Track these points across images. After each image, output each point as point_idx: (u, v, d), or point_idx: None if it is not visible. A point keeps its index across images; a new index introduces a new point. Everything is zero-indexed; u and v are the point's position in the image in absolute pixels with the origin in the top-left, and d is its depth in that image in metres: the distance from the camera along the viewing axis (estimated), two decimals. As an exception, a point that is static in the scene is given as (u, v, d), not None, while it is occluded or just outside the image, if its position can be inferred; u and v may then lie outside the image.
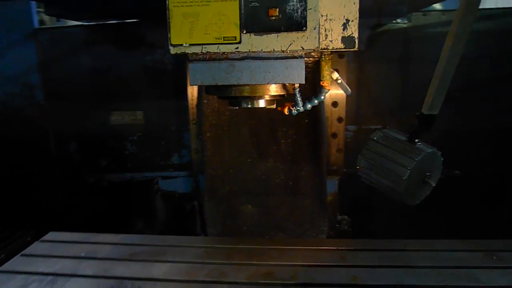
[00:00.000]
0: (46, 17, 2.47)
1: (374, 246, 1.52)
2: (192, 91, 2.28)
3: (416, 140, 1.00)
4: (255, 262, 1.42)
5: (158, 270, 1.39)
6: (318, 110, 2.04)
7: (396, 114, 2.44)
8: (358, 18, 1.04)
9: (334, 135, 2.31)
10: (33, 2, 2.37)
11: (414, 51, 2.37)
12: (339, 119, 2.27)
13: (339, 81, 1.18)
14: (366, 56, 2.36)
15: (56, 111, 2.48)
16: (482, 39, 2.35)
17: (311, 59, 1.15)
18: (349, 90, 1.17)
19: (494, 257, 1.34)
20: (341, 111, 2.27)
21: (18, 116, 2.46)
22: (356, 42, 1.03)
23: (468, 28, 0.96)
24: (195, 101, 2.28)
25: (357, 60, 2.36)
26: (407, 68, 2.39)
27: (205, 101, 2.07)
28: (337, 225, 2.51)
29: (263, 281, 1.30)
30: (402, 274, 1.32)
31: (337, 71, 1.91)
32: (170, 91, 2.40)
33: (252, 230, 2.24)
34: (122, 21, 2.40)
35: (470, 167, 2.45)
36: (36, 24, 2.46)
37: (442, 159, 1.08)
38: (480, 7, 2.61)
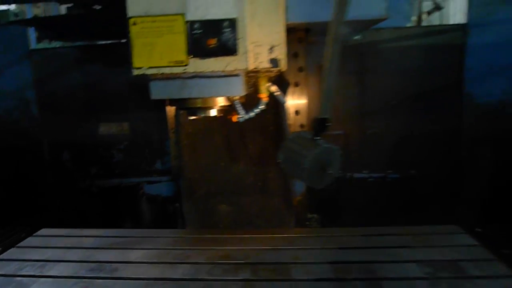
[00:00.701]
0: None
1: (319, 233, 1.77)
2: (170, 103, 2.54)
3: (318, 138, 1.26)
4: (215, 247, 1.68)
5: (133, 255, 1.64)
6: (281, 118, 2.31)
7: (354, 120, 2.72)
8: (283, 44, 1.31)
9: (298, 140, 2.56)
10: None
11: (369, 64, 2.65)
12: (301, 126, 2.53)
13: (276, 93, 1.44)
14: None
15: (49, 123, 2.76)
16: (429, 53, 2.64)
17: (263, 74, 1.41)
18: (285, 100, 1.44)
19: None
20: (303, 118, 2.53)
21: (16, 128, 2.73)
22: (281, 63, 1.30)
23: (339, 41, 1.21)
24: (173, 112, 2.55)
25: (318, 73, 2.63)
26: (363, 79, 2.67)
27: (181, 112, 2.33)
28: (307, 223, 2.75)
29: (220, 261, 1.55)
30: (337, 254, 1.57)
31: (296, 84, 2.19)
32: (152, 104, 2.67)
33: (227, 227, 2.48)
34: (110, 41, 2.69)
35: (424, 167, 2.72)
36: (34, 45, 2.75)
37: (341, 152, 1.33)
38: (427, 24, 2.94)
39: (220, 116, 1.45)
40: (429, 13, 4.13)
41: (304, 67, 2.54)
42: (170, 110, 2.58)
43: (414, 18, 3.73)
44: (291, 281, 1.38)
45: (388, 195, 2.76)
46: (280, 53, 1.30)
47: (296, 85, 2.24)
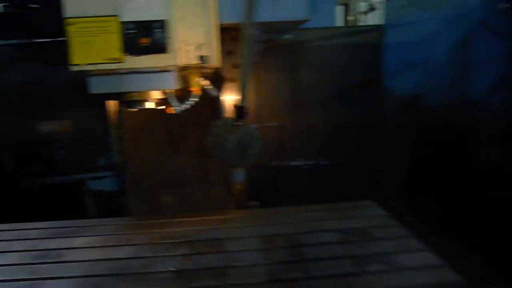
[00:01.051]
0: None
1: (251, 213, 1.98)
2: (111, 99, 2.62)
3: (239, 123, 1.45)
4: (156, 230, 1.82)
5: (78, 242, 1.74)
6: (219, 111, 2.48)
7: (289, 112, 2.95)
8: (213, 42, 1.49)
9: (236, 132, 2.76)
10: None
11: (300, 60, 2.89)
12: (238, 119, 2.72)
13: (208, 87, 1.61)
14: (262, 65, 2.85)
15: (-13, 122, 2.73)
16: (353, 51, 2.93)
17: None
18: (217, 93, 1.62)
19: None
20: (239, 112, 2.73)
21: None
22: (208, 59, 1.47)
23: (251, 41, 1.41)
24: (114, 108, 2.63)
25: (253, 69, 2.83)
26: (296, 75, 2.91)
27: (122, 107, 2.43)
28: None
29: (160, 241, 1.70)
30: (266, 229, 1.77)
31: (232, 79, 2.37)
32: (93, 100, 2.74)
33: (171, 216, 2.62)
34: (47, 39, 2.71)
35: (351, 154, 3.01)
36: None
37: (259, 136, 1.53)
38: (363, 23, 3.23)
39: (161, 111, 1.60)
40: (365, 13, 4.48)
41: (238, 63, 2.73)
42: (111, 105, 2.66)
43: (351, 17, 4.04)
44: (224, 253, 1.56)
45: (321, 180, 3.03)
46: (208, 51, 1.47)
47: (232, 80, 2.42)
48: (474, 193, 2.86)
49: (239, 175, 2.90)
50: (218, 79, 2.09)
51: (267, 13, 2.14)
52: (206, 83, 1.61)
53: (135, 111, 2.51)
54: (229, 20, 1.72)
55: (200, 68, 1.65)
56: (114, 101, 2.13)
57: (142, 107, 1.59)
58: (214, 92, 1.63)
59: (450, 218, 2.16)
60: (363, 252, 1.50)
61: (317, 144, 3.00)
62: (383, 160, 2.99)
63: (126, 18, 1.39)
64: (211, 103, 2.23)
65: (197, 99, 1.60)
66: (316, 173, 3.02)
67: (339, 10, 3.97)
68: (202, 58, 1.46)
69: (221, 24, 1.66)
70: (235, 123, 1.45)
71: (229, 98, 2.50)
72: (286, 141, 2.99)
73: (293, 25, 2.49)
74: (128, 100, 1.56)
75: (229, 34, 2.32)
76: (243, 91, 1.44)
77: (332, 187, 3.02)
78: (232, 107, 1.47)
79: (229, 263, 1.47)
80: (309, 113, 2.97)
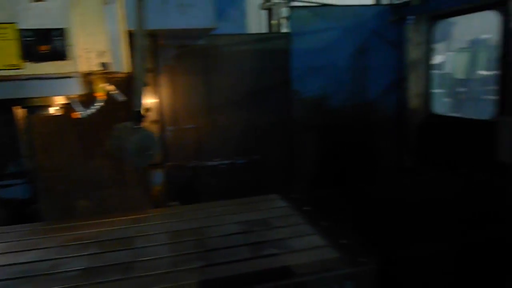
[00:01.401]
0: None
1: (162, 211, 2.08)
2: (19, 105, 2.56)
3: (137, 126, 1.56)
4: (67, 233, 1.84)
5: (-16, 249, 1.72)
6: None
7: (205, 114, 3.08)
8: (120, 48, 1.57)
9: (152, 135, 2.82)
10: None
11: (214, 65, 3.03)
12: (154, 122, 2.79)
13: (113, 92, 1.69)
14: (176, 70, 2.95)
15: None
16: (264, 56, 3.14)
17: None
18: (121, 98, 1.70)
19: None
20: (154, 115, 2.80)
21: None
22: (111, 66, 1.55)
23: (141, 50, 1.52)
24: (22, 114, 2.57)
25: (169, 73, 2.93)
26: (210, 78, 3.05)
27: (30, 113, 2.39)
28: (169, 210, 3.01)
29: (70, 243, 1.73)
30: (174, 225, 1.88)
31: (146, 84, 2.43)
32: (-1, 106, 2.65)
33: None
34: None
35: (265, 152, 3.22)
36: None
37: (157, 138, 1.65)
38: (257, 31, 3.42)
39: (72, 116, 1.63)
40: (287, 18, 4.71)
41: (153, 68, 2.80)
42: (19, 112, 2.59)
43: (274, 22, 4.21)
44: (133, 249, 1.65)
45: (238, 178, 3.20)
46: (110, 58, 1.55)
47: (146, 85, 2.49)
48: (370, 184, 3.22)
49: (158, 177, 2.97)
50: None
51: (175, 21, 2.26)
52: (111, 88, 1.68)
53: (45, 116, 2.49)
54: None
55: (108, 73, 1.71)
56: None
57: (47, 113, 1.62)
58: (119, 97, 1.70)
59: (345, 206, 2.44)
60: (261, 239, 1.67)
61: (233, 144, 3.16)
62: (293, 157, 3.23)
63: (24, 25, 1.42)
64: (125, 107, 2.28)
65: (102, 104, 1.66)
66: (233, 172, 3.18)
67: (263, 15, 4.12)
68: (104, 64, 1.54)
69: (129, 31, 1.74)
70: (134, 127, 1.54)
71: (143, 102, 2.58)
72: (203, 142, 3.11)
73: (202, 32, 2.63)
74: (31, 105, 1.58)
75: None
76: (137, 96, 1.54)
77: (248, 184, 3.19)
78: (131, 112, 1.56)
79: (136, 258, 1.56)
80: (225, 115, 3.12)
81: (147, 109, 1.69)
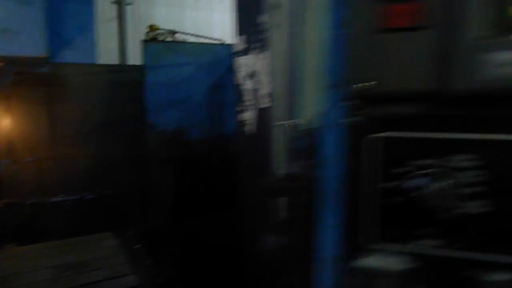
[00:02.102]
0: None
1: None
2: None
3: None
4: None
5: None
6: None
7: (47, 147, 2.87)
8: None
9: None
10: None
11: (58, 94, 2.87)
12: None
13: None
14: (14, 98, 2.71)
15: None
16: (118, 87, 3.07)
17: None
18: None
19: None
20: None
21: None
22: None
23: None
24: None
25: (4, 101, 2.68)
26: (54, 108, 2.86)
27: None
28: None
29: None
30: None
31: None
32: None
33: None
34: None
35: (118, 186, 3.10)
36: None
37: None
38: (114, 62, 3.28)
39: None
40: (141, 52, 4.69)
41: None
42: None
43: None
44: None
45: (86, 215, 3.01)
46: None
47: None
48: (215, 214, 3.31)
49: (-14, 216, 2.65)
50: None
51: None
52: None
53: None
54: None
55: None
56: None
57: None
58: None
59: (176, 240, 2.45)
60: (69, 285, 1.57)
61: (81, 178, 2.99)
62: (149, 190, 3.17)
63: None
64: None
65: None
66: (81, 208, 2.99)
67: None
68: None
69: None
70: None
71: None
72: (45, 176, 2.88)
73: (36, 61, 2.49)
74: None
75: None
76: None
77: (99, 220, 3.03)
78: None
79: None
80: (72, 147, 2.95)
81: None
